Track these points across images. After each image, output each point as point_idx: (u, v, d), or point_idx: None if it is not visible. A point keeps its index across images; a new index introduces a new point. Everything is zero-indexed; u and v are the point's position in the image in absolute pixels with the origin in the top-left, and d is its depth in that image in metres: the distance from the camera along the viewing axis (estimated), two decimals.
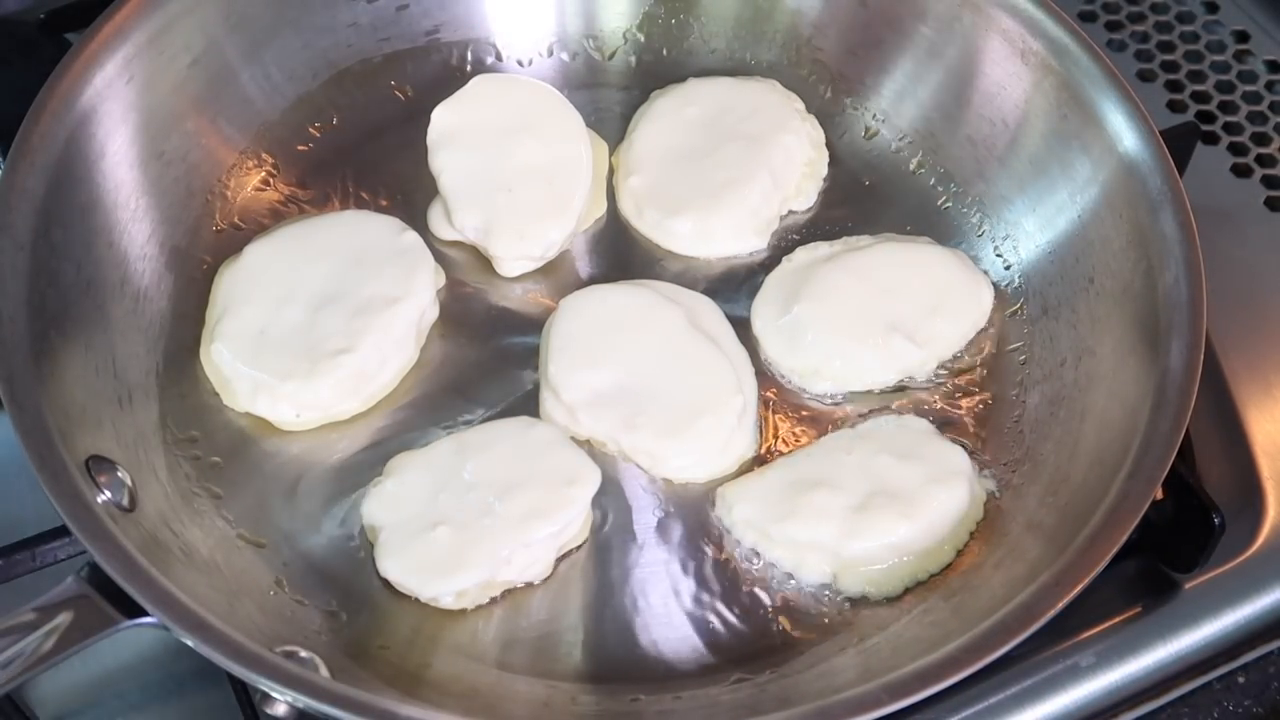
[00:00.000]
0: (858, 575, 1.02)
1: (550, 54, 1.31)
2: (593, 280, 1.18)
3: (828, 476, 1.04)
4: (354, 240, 1.14)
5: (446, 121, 1.19)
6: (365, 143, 1.25)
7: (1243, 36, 1.41)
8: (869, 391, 1.12)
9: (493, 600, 1.01)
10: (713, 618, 1.02)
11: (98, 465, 0.97)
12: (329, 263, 1.13)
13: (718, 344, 1.11)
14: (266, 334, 1.09)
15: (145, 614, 0.88)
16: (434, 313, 1.14)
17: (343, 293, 1.11)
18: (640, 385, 1.08)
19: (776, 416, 1.11)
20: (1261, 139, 1.34)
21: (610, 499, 1.06)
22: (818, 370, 1.11)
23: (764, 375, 1.13)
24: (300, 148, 1.23)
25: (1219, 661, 1.03)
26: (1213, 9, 1.44)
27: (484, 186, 1.16)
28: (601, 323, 1.11)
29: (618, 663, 1.00)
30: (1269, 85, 1.38)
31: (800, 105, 1.26)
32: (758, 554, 1.04)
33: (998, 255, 1.19)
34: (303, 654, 0.93)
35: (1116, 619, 1.03)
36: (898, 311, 1.12)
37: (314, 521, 1.05)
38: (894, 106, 1.26)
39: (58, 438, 0.94)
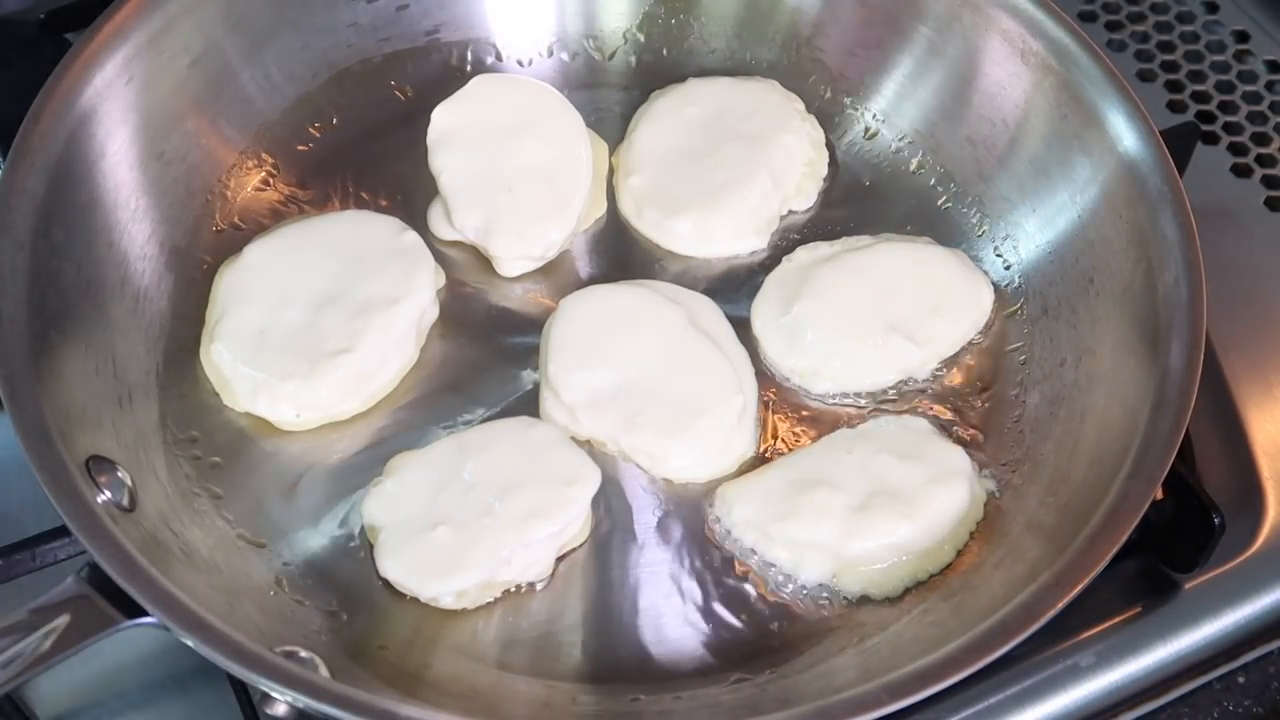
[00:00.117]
0: (858, 575, 1.02)
1: (550, 54, 1.31)
2: (593, 280, 1.18)
3: (828, 476, 1.04)
4: (354, 240, 1.14)
5: (446, 121, 1.19)
6: (365, 142, 1.24)
7: (1243, 36, 1.41)
8: (869, 391, 1.12)
9: (493, 600, 1.01)
10: (712, 618, 1.02)
11: (98, 465, 0.97)
12: (329, 263, 1.13)
13: (718, 344, 1.11)
14: (266, 334, 1.09)
15: (145, 614, 0.88)
16: (434, 313, 1.14)
17: (343, 293, 1.11)
18: (640, 385, 1.08)
19: (776, 416, 1.11)
20: (1261, 139, 1.34)
21: (610, 499, 1.06)
22: (818, 370, 1.11)
23: (764, 375, 1.13)
24: (300, 148, 1.23)
25: (1219, 661, 1.03)
26: (1213, 9, 1.44)
27: (484, 186, 1.16)
28: (601, 323, 1.11)
29: (617, 663, 1.00)
30: (1269, 85, 1.38)
31: (800, 105, 1.26)
32: (757, 554, 1.04)
33: (998, 255, 1.19)
34: (303, 654, 0.93)
35: (1116, 619, 1.03)
36: (897, 311, 1.12)
37: (314, 521, 1.05)
38: (894, 106, 1.26)
39: (58, 438, 0.94)
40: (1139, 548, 1.03)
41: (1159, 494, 0.97)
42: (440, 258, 1.17)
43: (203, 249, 1.16)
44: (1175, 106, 1.36)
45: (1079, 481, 1.01)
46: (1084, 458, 1.03)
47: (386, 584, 1.01)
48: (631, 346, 1.10)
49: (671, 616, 1.02)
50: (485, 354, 1.14)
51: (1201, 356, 1.00)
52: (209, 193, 1.19)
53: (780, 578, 1.03)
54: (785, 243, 1.20)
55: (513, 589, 1.02)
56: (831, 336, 1.11)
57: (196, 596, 0.90)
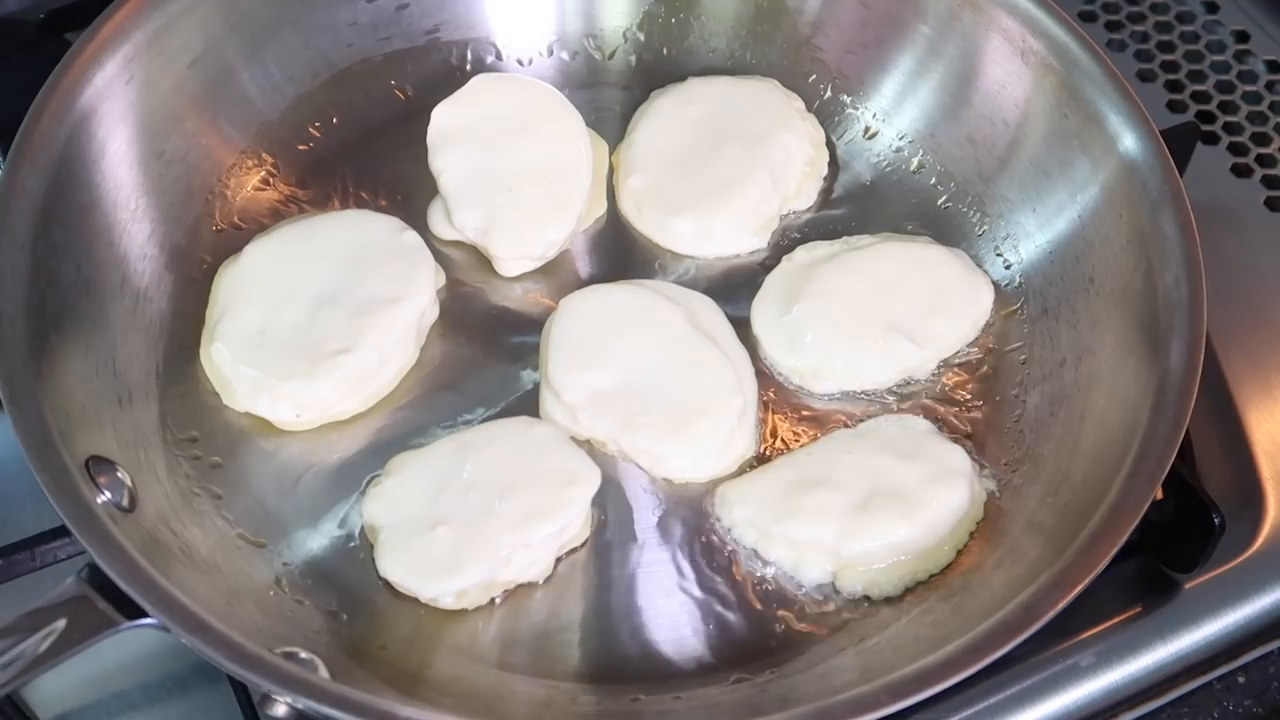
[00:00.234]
0: (858, 575, 1.02)
1: (550, 53, 1.31)
2: (593, 280, 1.18)
3: (828, 476, 1.04)
4: (354, 240, 1.14)
5: (446, 121, 1.19)
6: (365, 142, 1.25)
7: (1243, 36, 1.41)
8: (870, 391, 1.12)
9: (493, 600, 1.01)
10: (712, 617, 1.02)
11: (97, 465, 0.97)
12: (329, 262, 1.13)
13: (718, 344, 1.11)
14: (266, 334, 1.09)
15: (145, 615, 0.88)
16: (434, 312, 1.14)
17: (343, 292, 1.11)
18: (640, 385, 1.08)
19: (777, 416, 1.11)
20: (1261, 139, 1.34)
21: (611, 499, 1.06)
22: (818, 370, 1.11)
23: (764, 375, 1.13)
24: (300, 147, 1.23)
25: (1219, 661, 1.03)
26: (1213, 9, 1.44)
27: (484, 186, 1.16)
28: (601, 322, 1.11)
29: (617, 663, 1.00)
30: (1269, 85, 1.38)
31: (800, 105, 1.26)
32: (758, 554, 1.04)
33: (998, 255, 1.19)
34: (302, 655, 0.93)
35: (1116, 619, 1.03)
36: (898, 311, 1.12)
37: (314, 521, 1.05)
38: (895, 106, 1.26)
39: (58, 438, 0.94)
40: (1139, 548, 1.03)
41: (1159, 494, 0.97)
42: (440, 257, 1.17)
43: (203, 249, 1.16)
44: (1175, 106, 1.36)
45: (1079, 481, 1.01)
46: (1084, 458, 1.03)
47: (386, 584, 1.01)
48: (631, 346, 1.10)
49: (671, 616, 1.02)
50: (485, 354, 1.14)
51: (1201, 357, 0.99)
52: (209, 192, 1.19)
53: (780, 577, 1.03)
54: (786, 242, 1.20)
55: (513, 589, 1.02)
56: (832, 336, 1.11)
57: (196, 597, 0.90)
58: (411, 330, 1.12)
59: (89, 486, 0.94)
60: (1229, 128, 1.35)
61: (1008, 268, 1.18)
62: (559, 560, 1.03)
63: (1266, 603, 1.04)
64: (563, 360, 1.09)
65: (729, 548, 1.04)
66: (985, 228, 1.20)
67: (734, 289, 1.18)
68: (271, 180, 1.21)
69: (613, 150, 1.25)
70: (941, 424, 1.10)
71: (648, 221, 1.20)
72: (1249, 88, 1.38)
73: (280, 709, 0.89)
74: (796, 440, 1.10)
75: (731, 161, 1.20)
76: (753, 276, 1.18)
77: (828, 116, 1.27)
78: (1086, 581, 0.91)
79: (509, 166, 1.17)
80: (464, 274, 1.18)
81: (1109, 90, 1.12)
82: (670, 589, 1.03)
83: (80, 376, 1.02)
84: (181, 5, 1.16)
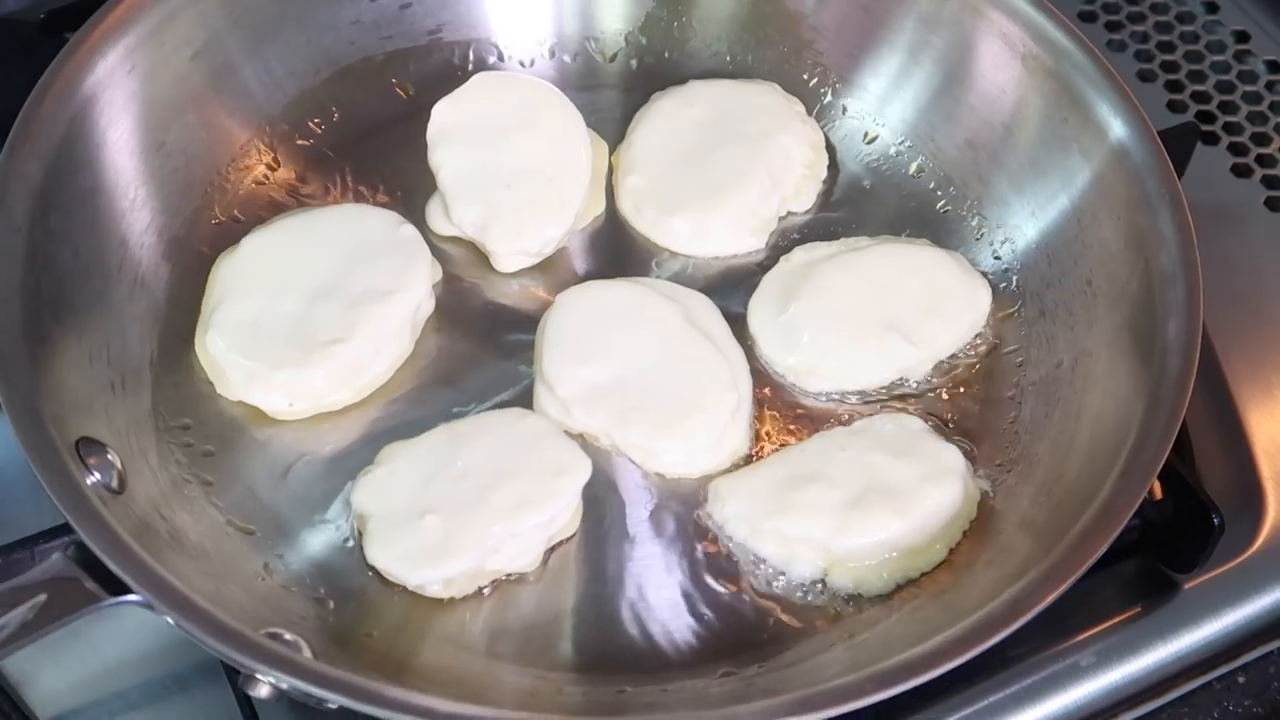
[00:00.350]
0: (848, 572, 1.01)
1: (552, 55, 1.31)
2: (590, 277, 1.17)
3: (821, 472, 1.04)
4: (351, 233, 1.14)
5: (446, 118, 1.19)
6: (365, 139, 1.25)
7: (1243, 36, 1.41)
8: (865, 390, 1.11)
9: (481, 590, 1.01)
10: (702, 611, 1.01)
11: (88, 447, 0.97)
12: (326, 255, 1.13)
13: (713, 341, 1.11)
14: (261, 323, 1.09)
15: (129, 592, 0.88)
16: (430, 306, 1.14)
17: (338, 284, 1.11)
18: (634, 380, 1.08)
19: (771, 414, 1.11)
20: (1261, 139, 1.34)
21: (603, 492, 1.06)
22: (813, 369, 1.11)
23: (760, 373, 1.12)
24: (301, 142, 1.24)
25: (1219, 661, 1.02)
26: (1213, 9, 1.44)
27: (482, 182, 1.16)
28: (597, 318, 1.11)
29: (605, 654, 0.99)
30: (1269, 85, 1.38)
31: (801, 108, 1.26)
32: (749, 548, 1.03)
33: (996, 258, 1.18)
34: (287, 636, 0.93)
35: (1116, 619, 1.02)
36: (895, 311, 1.12)
37: (305, 510, 1.04)
38: (894, 110, 1.26)
39: (48, 418, 0.94)
40: (1139, 548, 1.03)
41: (1158, 494, 0.99)
42: (438, 253, 1.17)
43: (201, 240, 1.16)
44: (1175, 106, 1.36)
45: (1072, 480, 1.00)
46: (1078, 457, 1.02)
47: (375, 572, 1.00)
48: (627, 342, 1.10)
49: (661, 609, 1.01)
50: (481, 348, 1.14)
51: (1197, 356, 0.99)
52: (209, 184, 1.19)
53: (771, 573, 1.02)
54: (784, 243, 1.20)
55: (502, 579, 1.01)
56: (828, 335, 1.11)
57: (182, 579, 0.90)
58: (406, 323, 1.11)
59: (78, 467, 0.94)
60: (1229, 128, 1.35)
61: (1005, 270, 1.18)
62: (549, 551, 1.03)
63: (1266, 603, 1.04)
64: (557, 354, 1.09)
65: (720, 542, 1.04)
66: (984, 231, 1.20)
67: (731, 288, 1.17)
68: (271, 174, 1.21)
69: (613, 151, 1.25)
70: (937, 424, 1.09)
71: (645, 220, 1.20)
72: (1249, 88, 1.38)
73: (263, 689, 0.88)
74: (791, 438, 1.09)
75: (730, 162, 1.20)
76: (750, 276, 1.18)
77: (828, 120, 1.27)
78: (1076, 576, 0.90)
79: (507, 163, 1.17)
80: (462, 269, 1.18)
81: (1107, 93, 1.12)
82: (660, 582, 1.02)
83: (74, 361, 1.02)
84: None
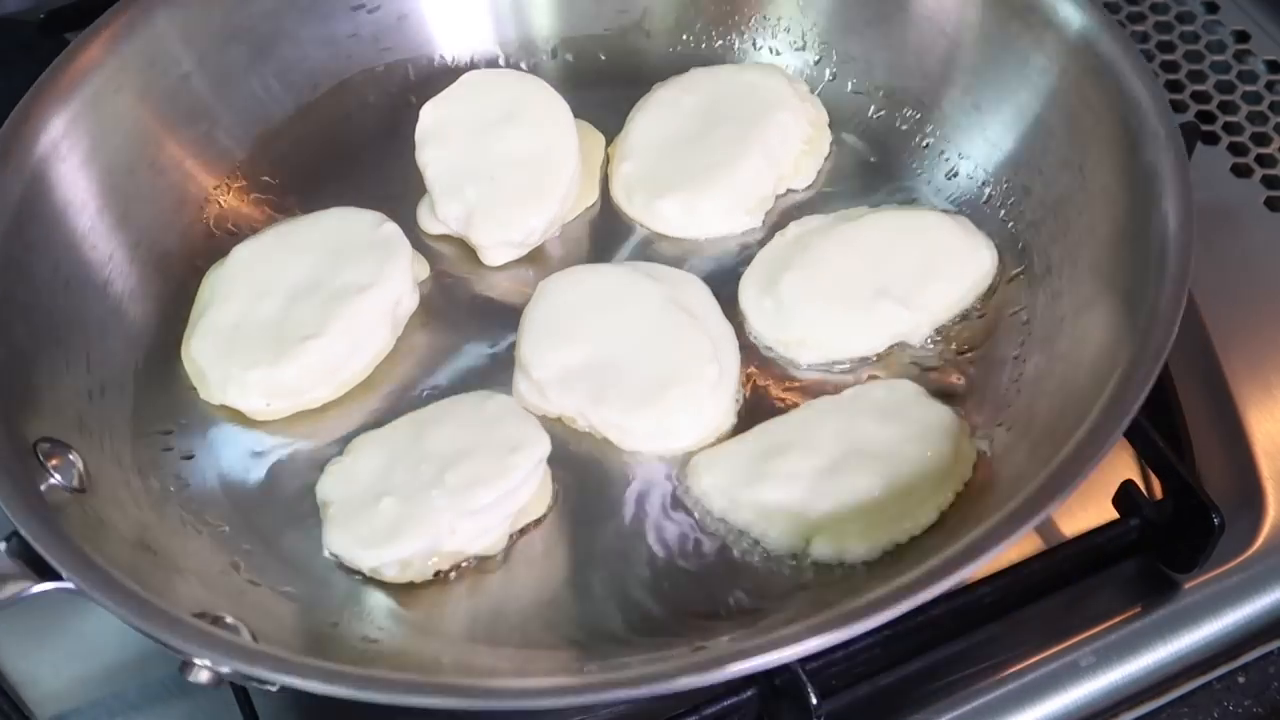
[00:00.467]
0: (829, 539, 0.95)
1: (554, 55, 1.29)
2: None
3: (802, 440, 0.99)
4: (336, 235, 1.13)
5: (434, 117, 1.17)
6: (365, 150, 1.23)
7: (1243, 36, 1.37)
8: (859, 359, 1.06)
9: (445, 574, 0.97)
10: (675, 587, 0.97)
11: (51, 447, 0.96)
12: (309, 257, 1.11)
13: (698, 320, 1.07)
14: (241, 326, 1.08)
15: (59, 577, 0.86)
16: (412, 301, 1.12)
17: (318, 284, 1.09)
18: (612, 360, 1.04)
19: (762, 390, 1.06)
20: (1261, 139, 1.29)
21: (580, 476, 1.03)
22: (803, 340, 1.06)
23: (750, 349, 1.08)
24: (298, 157, 1.22)
25: (1219, 661, 1.00)
26: (1213, 9, 1.40)
27: (467, 176, 1.14)
28: (577, 301, 1.08)
29: (575, 634, 0.95)
30: (1269, 85, 1.33)
31: (804, 88, 1.22)
32: (726, 521, 0.98)
33: (1004, 220, 1.12)
34: (229, 620, 0.90)
35: (1116, 619, 1.00)
36: (888, 277, 1.07)
37: (278, 507, 1.02)
38: (899, 81, 1.21)
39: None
40: (1139, 548, 1.01)
41: (1159, 493, 0.99)
42: (428, 252, 1.16)
43: (194, 253, 1.15)
44: (1175, 106, 1.30)
45: (1066, 431, 0.93)
46: (1074, 408, 0.95)
47: (339, 562, 0.98)
48: (606, 324, 1.06)
49: (634, 588, 0.97)
50: (465, 341, 1.11)
51: (1187, 288, 0.93)
52: (203, 199, 1.18)
53: (748, 545, 0.97)
54: (784, 222, 1.15)
55: (468, 563, 0.98)
56: (816, 304, 1.06)
57: (129, 569, 0.89)
58: (384, 317, 1.09)
59: (32, 464, 0.93)
60: (1229, 128, 1.30)
61: (1013, 230, 1.11)
62: (521, 534, 0.99)
63: (1266, 603, 1.01)
64: (534, 339, 1.06)
65: (698, 517, 0.99)
66: (992, 195, 1.14)
67: (727, 270, 1.13)
68: (268, 188, 1.21)
69: (611, 143, 1.22)
70: (935, 389, 1.04)
71: (636, 205, 1.17)
72: (1249, 88, 1.33)
73: (203, 674, 0.86)
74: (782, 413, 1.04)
75: (724, 142, 1.17)
76: (748, 257, 1.14)
77: (832, 97, 1.22)
78: (1071, 488, 0.85)
79: (492, 156, 1.15)
80: (451, 266, 1.16)
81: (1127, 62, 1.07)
82: (634, 560, 0.98)
83: (45, 366, 1.02)
84: (177, 14, 1.17)
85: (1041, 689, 0.96)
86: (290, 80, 1.24)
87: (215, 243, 1.17)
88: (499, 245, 1.13)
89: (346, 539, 0.96)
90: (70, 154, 1.10)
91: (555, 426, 1.04)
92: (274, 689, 0.85)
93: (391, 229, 1.13)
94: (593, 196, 1.19)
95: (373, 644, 0.94)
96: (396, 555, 0.95)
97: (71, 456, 0.98)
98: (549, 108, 1.18)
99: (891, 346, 1.07)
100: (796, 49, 1.25)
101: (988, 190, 1.15)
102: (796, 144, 1.18)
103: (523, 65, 1.28)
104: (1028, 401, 1.01)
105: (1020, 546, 0.98)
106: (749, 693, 0.92)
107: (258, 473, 1.05)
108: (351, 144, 1.24)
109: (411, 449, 0.99)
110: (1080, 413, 0.92)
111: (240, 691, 0.96)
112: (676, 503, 1.01)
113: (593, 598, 0.97)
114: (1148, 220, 0.98)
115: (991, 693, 0.96)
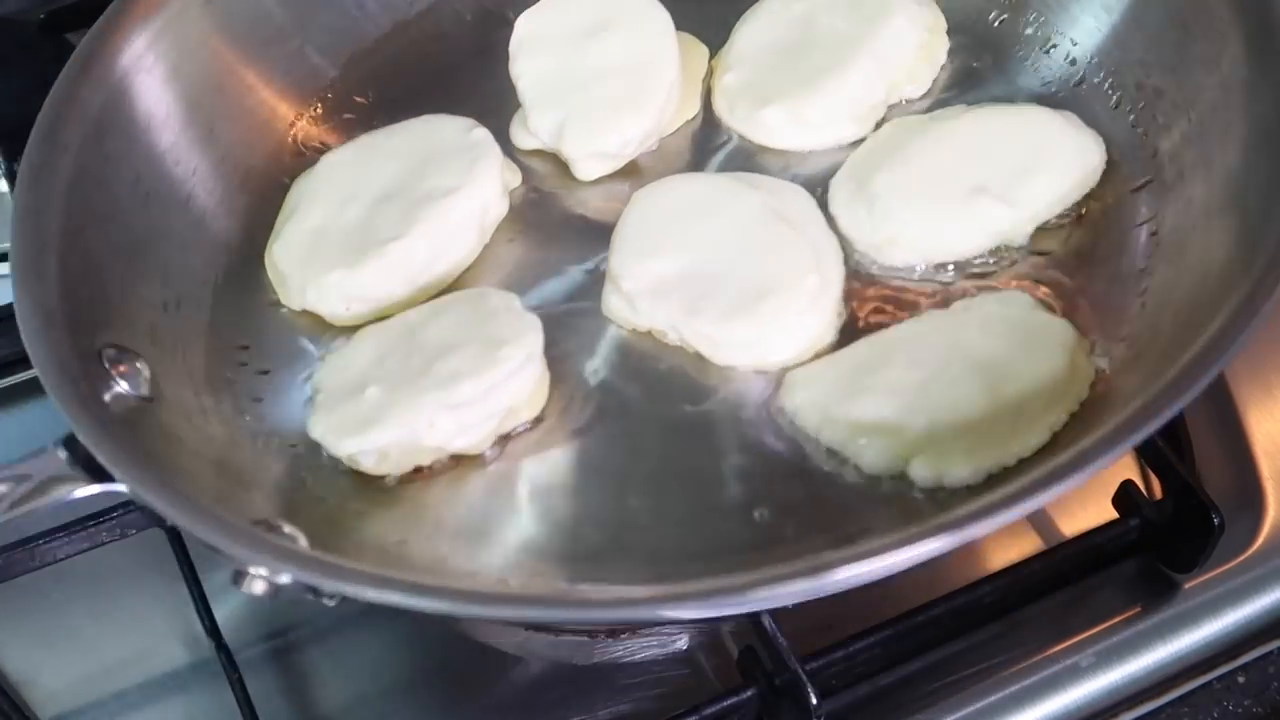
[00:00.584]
0: (930, 461, 0.88)
1: None
2: None
3: (903, 354, 0.92)
4: (426, 141, 1.09)
5: (528, 28, 1.13)
6: (459, 69, 1.19)
7: None
8: (959, 262, 1.00)
9: (423, 470, 0.94)
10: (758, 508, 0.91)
11: (119, 354, 0.93)
12: (397, 163, 1.08)
13: (800, 229, 1.00)
14: (325, 231, 1.05)
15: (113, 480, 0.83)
16: (501, 209, 1.08)
17: (405, 188, 1.06)
18: (707, 270, 0.99)
19: (865, 307, 0.99)
20: None
21: (653, 384, 0.98)
22: (894, 239, 0.99)
23: (855, 266, 1.01)
24: (390, 76, 1.19)
25: (1219, 661, 0.97)
26: None
27: (561, 87, 1.10)
28: (673, 211, 1.02)
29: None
30: None
31: None
32: (819, 440, 0.91)
33: (1134, 127, 1.04)
34: (286, 529, 0.86)
35: (1116, 619, 0.97)
36: (986, 172, 0.99)
37: None
38: None
39: (61, 318, 0.90)
40: (1139, 548, 0.98)
41: (1158, 493, 0.96)
42: (521, 166, 1.11)
43: (281, 171, 1.13)
44: None
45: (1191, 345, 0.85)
46: (1202, 321, 0.87)
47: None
48: (702, 233, 1.01)
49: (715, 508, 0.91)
50: (555, 255, 1.06)
51: None
52: (293, 117, 1.16)
53: (840, 464, 0.90)
54: None
55: (447, 460, 0.94)
56: (911, 202, 0.99)
57: (191, 479, 0.86)
58: (470, 222, 1.05)
59: (97, 369, 0.90)
60: None
61: (1145, 137, 1.03)
62: (507, 439, 0.96)
63: (1266, 603, 0.98)
64: (625, 249, 1.01)
65: (788, 434, 0.93)
66: (1123, 102, 1.05)
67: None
68: (358, 108, 1.17)
69: (715, 55, 1.16)
70: (1049, 300, 0.96)
71: (739, 117, 1.11)
72: None
73: (257, 585, 0.81)
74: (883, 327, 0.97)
75: (831, 49, 1.10)
76: None
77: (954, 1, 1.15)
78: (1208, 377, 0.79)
79: (588, 66, 1.10)
80: (543, 182, 1.11)
81: None
82: (707, 478, 0.93)
83: (119, 276, 0.99)
84: None
85: (1041, 689, 0.94)
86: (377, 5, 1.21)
87: (302, 161, 1.13)
88: (592, 157, 1.08)
89: (326, 424, 0.93)
90: (155, 68, 1.07)
91: (642, 340, 0.98)
92: (332, 603, 0.80)
93: (481, 133, 1.08)
94: (694, 109, 1.13)
95: (441, 560, 0.90)
96: (373, 444, 0.92)
97: (139, 365, 0.94)
98: (647, 16, 1.12)
99: (994, 248, 0.99)
100: None
101: (1116, 95, 1.06)
102: (911, 49, 1.11)
103: None
104: (1153, 316, 0.93)
105: (1020, 546, 0.98)
106: (749, 693, 0.89)
107: None
108: (445, 62, 1.20)
109: (406, 341, 0.96)
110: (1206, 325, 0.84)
111: (240, 691, 0.94)
112: (769, 420, 0.94)
113: (668, 520, 0.91)
114: None
115: (991, 693, 0.94)
